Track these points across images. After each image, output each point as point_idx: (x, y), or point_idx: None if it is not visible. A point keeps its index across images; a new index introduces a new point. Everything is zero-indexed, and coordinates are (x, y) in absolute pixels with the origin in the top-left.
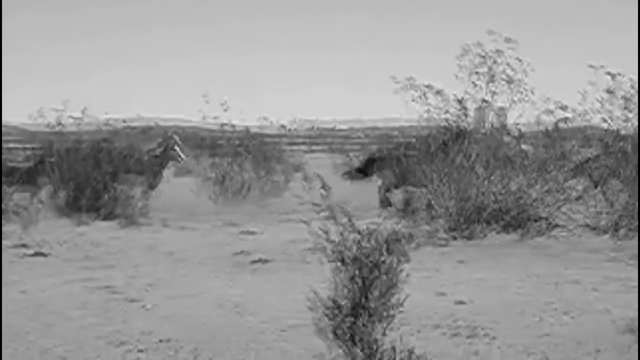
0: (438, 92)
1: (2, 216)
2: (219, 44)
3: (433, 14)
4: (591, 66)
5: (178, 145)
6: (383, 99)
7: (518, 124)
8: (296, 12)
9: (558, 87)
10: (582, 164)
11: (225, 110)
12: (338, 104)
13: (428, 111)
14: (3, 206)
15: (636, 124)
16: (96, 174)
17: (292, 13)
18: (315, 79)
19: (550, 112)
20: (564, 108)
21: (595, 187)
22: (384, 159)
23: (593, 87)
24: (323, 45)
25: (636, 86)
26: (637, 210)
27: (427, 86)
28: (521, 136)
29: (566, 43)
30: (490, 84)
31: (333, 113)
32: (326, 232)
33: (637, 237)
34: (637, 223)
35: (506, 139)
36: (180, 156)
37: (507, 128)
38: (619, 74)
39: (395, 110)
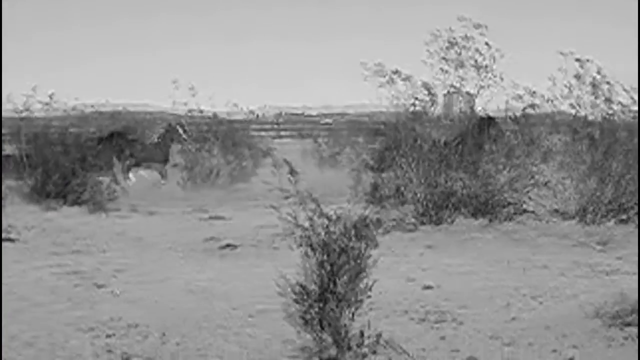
0: (406, 78)
1: None
2: (189, 31)
3: None
4: (561, 53)
5: (182, 127)
6: (353, 86)
7: (487, 110)
8: None
9: (527, 73)
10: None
11: (194, 95)
12: (307, 91)
13: (396, 97)
14: None
15: (605, 110)
16: (64, 159)
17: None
18: (284, 65)
19: (519, 97)
20: (532, 94)
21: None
22: None
23: (562, 73)
24: (292, 32)
25: (603, 72)
26: (606, 195)
27: (395, 72)
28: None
29: (536, 29)
30: (459, 70)
31: (302, 99)
32: (295, 218)
33: (605, 222)
34: (607, 208)
35: (492, 132)
36: (184, 137)
37: (476, 114)
38: (588, 60)
39: (364, 96)
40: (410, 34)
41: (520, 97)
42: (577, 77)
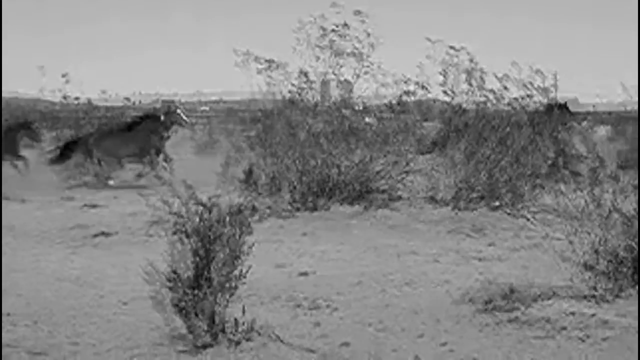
0: (280, 65)
1: None
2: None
3: None
4: (429, 40)
5: (180, 110)
6: (224, 72)
7: (364, 97)
8: None
9: (403, 61)
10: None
11: (67, 82)
12: (179, 77)
13: (270, 84)
14: None
15: (478, 97)
16: None
17: None
18: (156, 52)
19: (395, 84)
20: (406, 81)
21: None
22: None
23: (431, 60)
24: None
25: (475, 59)
26: (479, 182)
27: (268, 60)
28: (365, 110)
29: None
30: (335, 58)
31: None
32: (168, 205)
33: (477, 209)
34: (479, 195)
35: (368, 119)
36: (184, 120)
37: (352, 101)
38: (462, 48)
39: (236, 82)
40: (288, 20)
41: (395, 84)
42: (451, 65)
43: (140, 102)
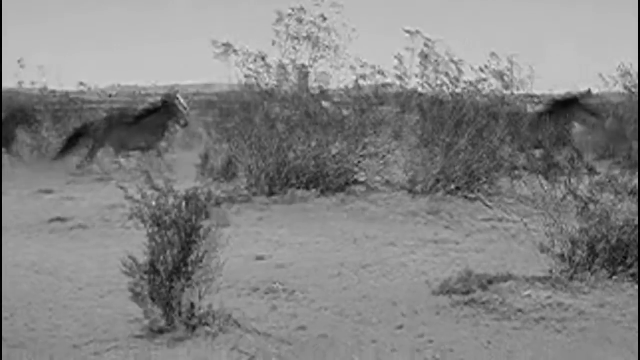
0: (260, 58)
1: None
2: (33, 7)
3: None
4: (407, 31)
5: (179, 99)
6: (203, 64)
7: (340, 89)
8: None
9: (379, 52)
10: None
11: (44, 75)
12: (158, 70)
13: (248, 77)
14: None
15: (452, 88)
16: None
17: None
18: (136, 44)
19: (371, 76)
20: (382, 73)
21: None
22: None
23: (410, 52)
24: (141, 10)
25: (451, 52)
26: (436, 167)
27: (246, 53)
28: (340, 101)
29: (387, 9)
30: (312, 50)
31: (154, 78)
32: (144, 197)
33: (450, 198)
34: (436, 179)
35: (325, 104)
36: (185, 108)
37: (328, 93)
38: (417, 32)
39: (214, 75)
40: (266, 12)
41: (371, 76)
42: (424, 56)
43: (117, 94)
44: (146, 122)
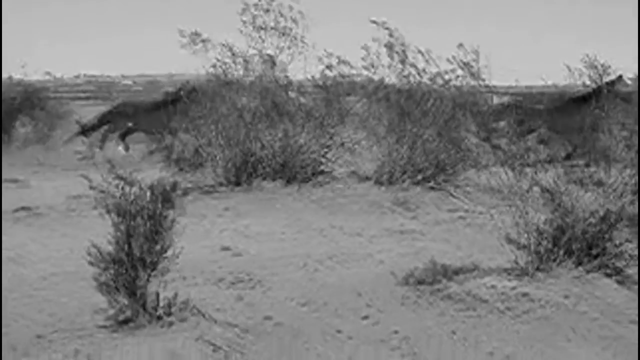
0: (227, 47)
1: None
2: None
3: None
4: (373, 22)
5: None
6: (169, 54)
7: (307, 79)
8: None
9: (342, 42)
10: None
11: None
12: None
13: (214, 66)
14: None
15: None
16: None
17: None
18: (101, 33)
19: (334, 66)
20: (345, 62)
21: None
22: None
23: (376, 42)
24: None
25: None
26: (403, 157)
27: (212, 42)
28: (301, 90)
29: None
30: (274, 38)
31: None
32: (105, 186)
33: (415, 188)
34: (403, 170)
35: (292, 94)
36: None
37: (291, 82)
38: (384, 23)
39: (181, 65)
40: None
41: (333, 65)
42: (387, 45)
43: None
44: (166, 109)
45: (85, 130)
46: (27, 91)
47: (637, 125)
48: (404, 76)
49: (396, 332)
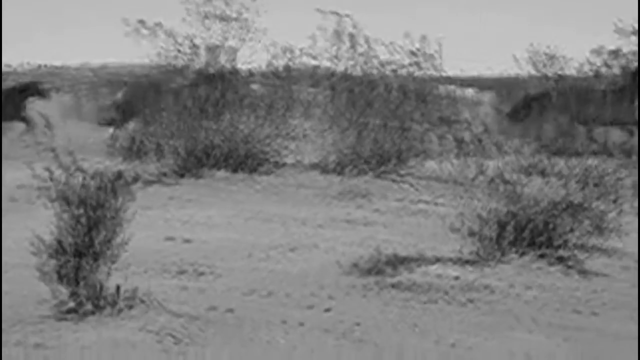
0: (168, 33)
1: None
2: None
3: None
4: (320, 10)
5: None
6: (113, 42)
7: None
8: None
9: (291, 30)
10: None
11: None
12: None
13: (159, 54)
14: None
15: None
16: None
17: None
18: (43, 22)
19: (283, 55)
20: (293, 52)
21: None
22: None
23: (322, 31)
24: None
25: (360, 27)
26: (365, 149)
27: (157, 24)
28: (251, 77)
29: None
30: (220, 25)
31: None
32: (51, 174)
33: (362, 178)
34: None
35: (254, 86)
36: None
37: (238, 69)
38: (346, 15)
39: (126, 53)
40: None
41: (283, 53)
42: (336, 32)
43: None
44: None
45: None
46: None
47: (637, 124)
48: (352, 65)
49: (358, 324)
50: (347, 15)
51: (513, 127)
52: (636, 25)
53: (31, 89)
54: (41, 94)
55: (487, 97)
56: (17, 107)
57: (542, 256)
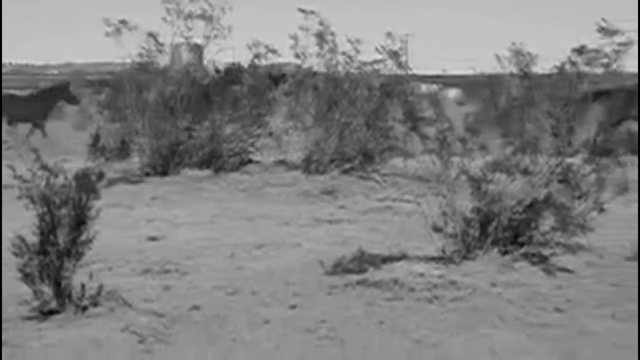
0: (152, 36)
1: None
2: None
3: None
4: (301, 10)
5: None
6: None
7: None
8: None
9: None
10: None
11: None
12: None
13: (141, 55)
14: None
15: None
16: None
17: None
18: (26, 22)
19: (265, 55)
20: (275, 52)
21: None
22: None
23: (304, 31)
24: None
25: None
26: (331, 146)
27: (122, 21)
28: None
29: None
30: (185, 20)
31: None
32: (14, 170)
33: (344, 177)
34: (331, 158)
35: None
36: None
37: (205, 65)
38: (312, 12)
39: (108, 53)
40: None
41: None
42: (303, 28)
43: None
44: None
45: None
46: None
47: (637, 123)
48: (333, 65)
49: (324, 321)
50: (313, 12)
51: (496, 126)
52: (620, 25)
53: (64, 93)
54: (71, 99)
55: (453, 93)
56: (47, 109)
57: (523, 255)
